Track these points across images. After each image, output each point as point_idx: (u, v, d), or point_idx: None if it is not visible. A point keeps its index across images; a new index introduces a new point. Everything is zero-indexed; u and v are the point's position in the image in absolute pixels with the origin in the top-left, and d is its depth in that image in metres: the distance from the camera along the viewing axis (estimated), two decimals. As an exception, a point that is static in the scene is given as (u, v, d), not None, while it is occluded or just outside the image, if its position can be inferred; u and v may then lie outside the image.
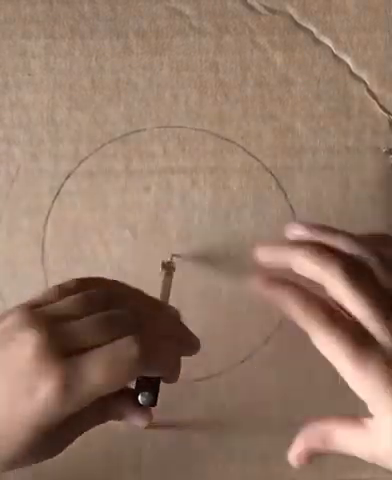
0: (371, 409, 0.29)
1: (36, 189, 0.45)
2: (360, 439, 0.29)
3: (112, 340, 0.28)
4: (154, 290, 0.37)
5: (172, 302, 0.38)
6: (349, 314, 0.29)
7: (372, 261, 0.30)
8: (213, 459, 0.45)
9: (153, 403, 0.31)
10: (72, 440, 0.30)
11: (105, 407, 0.31)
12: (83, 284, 0.31)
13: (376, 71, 0.45)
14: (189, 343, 0.33)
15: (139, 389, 0.31)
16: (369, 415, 0.29)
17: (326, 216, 0.45)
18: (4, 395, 0.27)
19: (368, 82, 0.45)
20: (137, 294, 0.33)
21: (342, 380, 0.39)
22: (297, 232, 0.33)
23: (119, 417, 0.32)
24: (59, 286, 0.31)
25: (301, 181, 0.45)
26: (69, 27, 0.45)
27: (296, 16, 0.45)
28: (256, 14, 0.44)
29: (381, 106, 0.45)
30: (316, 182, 0.45)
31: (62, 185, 0.45)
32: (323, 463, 0.45)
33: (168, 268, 0.42)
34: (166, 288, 0.40)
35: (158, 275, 0.41)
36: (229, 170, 0.45)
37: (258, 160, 0.45)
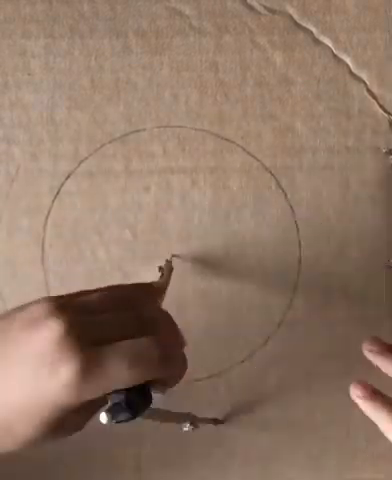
0: None
1: (36, 189, 0.45)
2: None
3: (133, 337, 0.29)
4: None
5: (172, 302, 0.38)
6: None
7: None
8: (213, 459, 0.45)
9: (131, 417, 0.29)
10: (90, 418, 0.30)
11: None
12: (103, 288, 0.32)
13: (376, 71, 0.45)
14: None
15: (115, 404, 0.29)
16: None
17: (326, 216, 0.45)
18: (28, 376, 0.27)
19: (368, 82, 0.45)
20: (153, 299, 0.33)
21: (341, 379, 0.39)
22: None
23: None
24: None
25: (301, 181, 0.45)
26: (69, 27, 0.44)
27: (296, 16, 0.44)
28: (256, 14, 0.44)
29: (381, 106, 0.45)
30: (316, 182, 0.45)
31: (62, 185, 0.45)
32: (323, 463, 0.45)
33: (164, 270, 0.41)
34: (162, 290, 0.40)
35: (158, 275, 0.41)
36: (229, 170, 0.45)
37: (258, 160, 0.45)
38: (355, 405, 0.39)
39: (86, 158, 0.45)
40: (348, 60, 0.45)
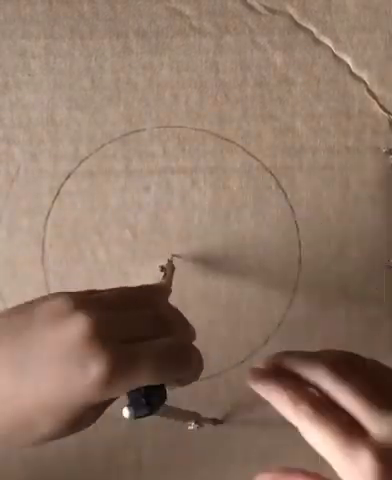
0: None
1: (36, 189, 0.45)
2: None
3: (156, 336, 0.28)
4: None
5: (172, 302, 0.38)
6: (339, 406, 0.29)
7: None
8: (213, 459, 0.45)
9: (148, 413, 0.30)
10: (102, 413, 0.30)
11: None
12: (115, 289, 0.32)
13: (376, 71, 0.45)
14: None
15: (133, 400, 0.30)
16: None
17: (326, 216, 0.45)
18: (55, 373, 0.27)
19: (368, 82, 0.45)
20: (166, 299, 0.33)
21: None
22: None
23: None
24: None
25: (301, 181, 0.45)
26: (69, 27, 0.44)
27: (296, 16, 0.45)
28: (256, 14, 0.44)
29: (381, 106, 0.45)
30: (316, 182, 0.45)
31: (62, 185, 0.45)
32: (323, 463, 0.45)
33: (167, 270, 0.42)
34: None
35: (158, 275, 0.41)
36: (229, 170, 0.45)
37: (258, 160, 0.45)
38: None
39: (86, 158, 0.45)
40: (348, 60, 0.45)
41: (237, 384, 0.45)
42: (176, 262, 0.43)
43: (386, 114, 0.45)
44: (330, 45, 0.45)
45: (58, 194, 0.45)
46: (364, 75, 0.45)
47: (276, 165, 0.45)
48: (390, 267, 0.45)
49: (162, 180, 0.45)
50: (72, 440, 0.44)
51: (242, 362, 0.45)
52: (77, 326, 0.27)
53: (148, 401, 0.28)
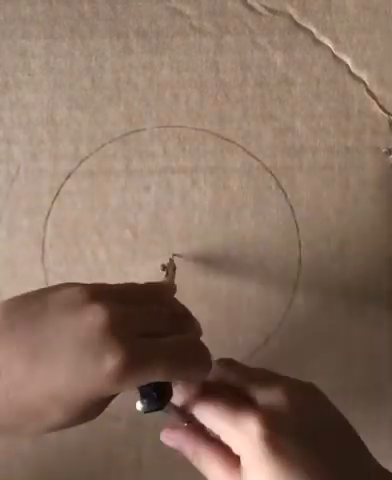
0: (243, 463, 0.29)
1: (36, 189, 0.45)
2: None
3: (170, 333, 0.28)
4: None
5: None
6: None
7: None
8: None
9: (158, 407, 0.31)
10: (106, 407, 0.30)
11: None
12: (123, 284, 0.32)
13: (375, 71, 0.45)
14: None
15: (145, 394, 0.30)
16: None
17: (326, 216, 0.45)
18: (69, 363, 0.26)
19: (367, 82, 0.45)
20: (173, 297, 0.33)
21: (341, 379, 0.39)
22: None
23: None
24: None
25: (301, 181, 0.45)
26: (69, 27, 0.45)
27: (296, 16, 0.45)
28: (256, 14, 0.45)
29: (381, 106, 0.45)
30: (316, 182, 0.45)
31: (62, 185, 0.45)
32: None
33: (168, 269, 0.42)
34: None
35: (158, 275, 0.41)
36: (229, 170, 0.45)
37: (258, 160, 0.45)
38: (355, 406, 0.39)
39: (86, 157, 0.45)
40: (348, 60, 0.45)
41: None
42: (176, 262, 0.43)
43: (386, 114, 0.45)
44: (330, 45, 0.45)
45: (58, 194, 0.45)
46: (364, 75, 0.45)
47: (276, 165, 0.45)
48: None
49: (162, 180, 0.45)
50: (72, 439, 0.44)
51: (242, 362, 0.45)
52: (94, 316, 0.27)
53: (159, 396, 0.28)
